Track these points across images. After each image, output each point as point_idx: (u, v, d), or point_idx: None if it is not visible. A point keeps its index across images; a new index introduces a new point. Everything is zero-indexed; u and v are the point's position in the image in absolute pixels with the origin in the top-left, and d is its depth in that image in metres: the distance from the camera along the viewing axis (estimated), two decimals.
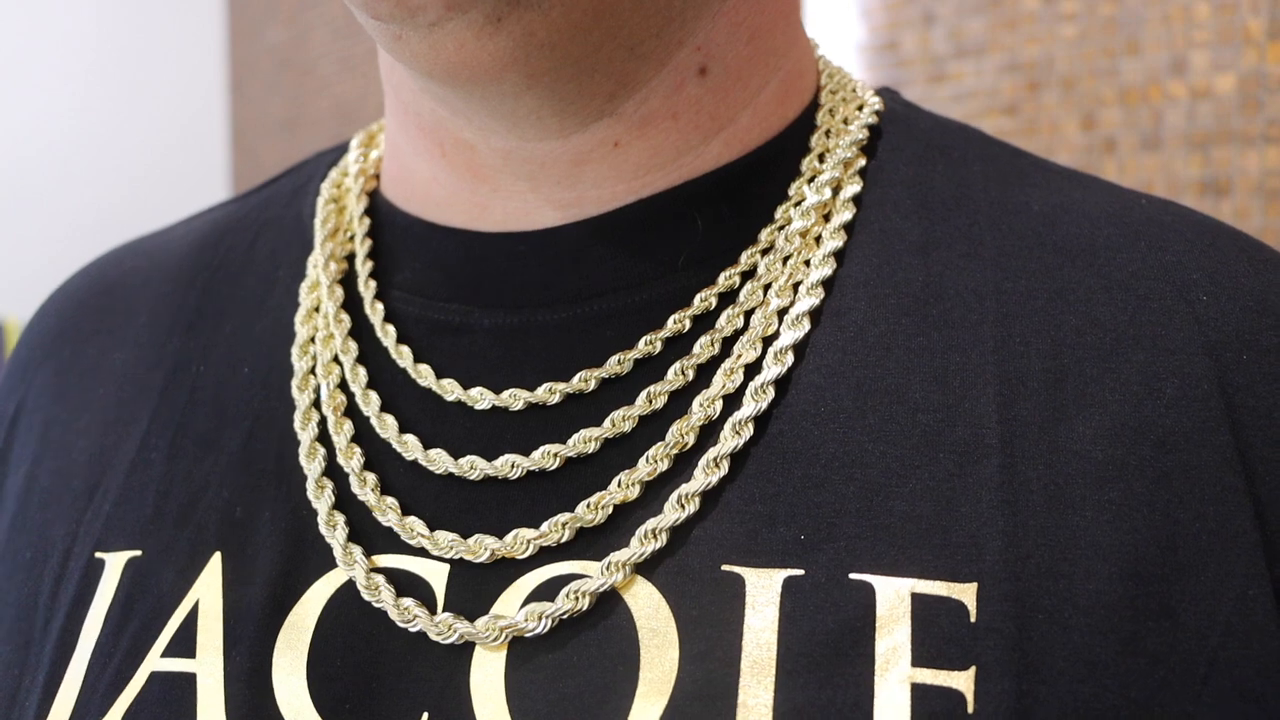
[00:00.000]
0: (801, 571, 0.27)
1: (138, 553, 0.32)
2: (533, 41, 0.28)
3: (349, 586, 0.30)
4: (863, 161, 0.33)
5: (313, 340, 0.34)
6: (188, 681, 0.29)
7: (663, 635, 0.27)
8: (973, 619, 0.26)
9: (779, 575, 0.27)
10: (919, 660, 0.26)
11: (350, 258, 0.35)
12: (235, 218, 0.40)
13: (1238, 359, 0.29)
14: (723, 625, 0.27)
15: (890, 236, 0.32)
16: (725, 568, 0.27)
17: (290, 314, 0.35)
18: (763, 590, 0.27)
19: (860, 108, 0.35)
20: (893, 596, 0.26)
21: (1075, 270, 0.31)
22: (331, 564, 0.30)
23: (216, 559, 0.31)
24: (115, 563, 0.32)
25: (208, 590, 0.30)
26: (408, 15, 0.27)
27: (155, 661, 0.30)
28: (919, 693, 0.25)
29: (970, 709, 0.25)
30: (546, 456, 0.30)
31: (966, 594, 0.26)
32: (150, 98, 2.84)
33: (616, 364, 0.31)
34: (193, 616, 0.30)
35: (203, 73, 3.05)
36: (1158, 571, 0.27)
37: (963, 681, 0.25)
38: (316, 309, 0.34)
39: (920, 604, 0.26)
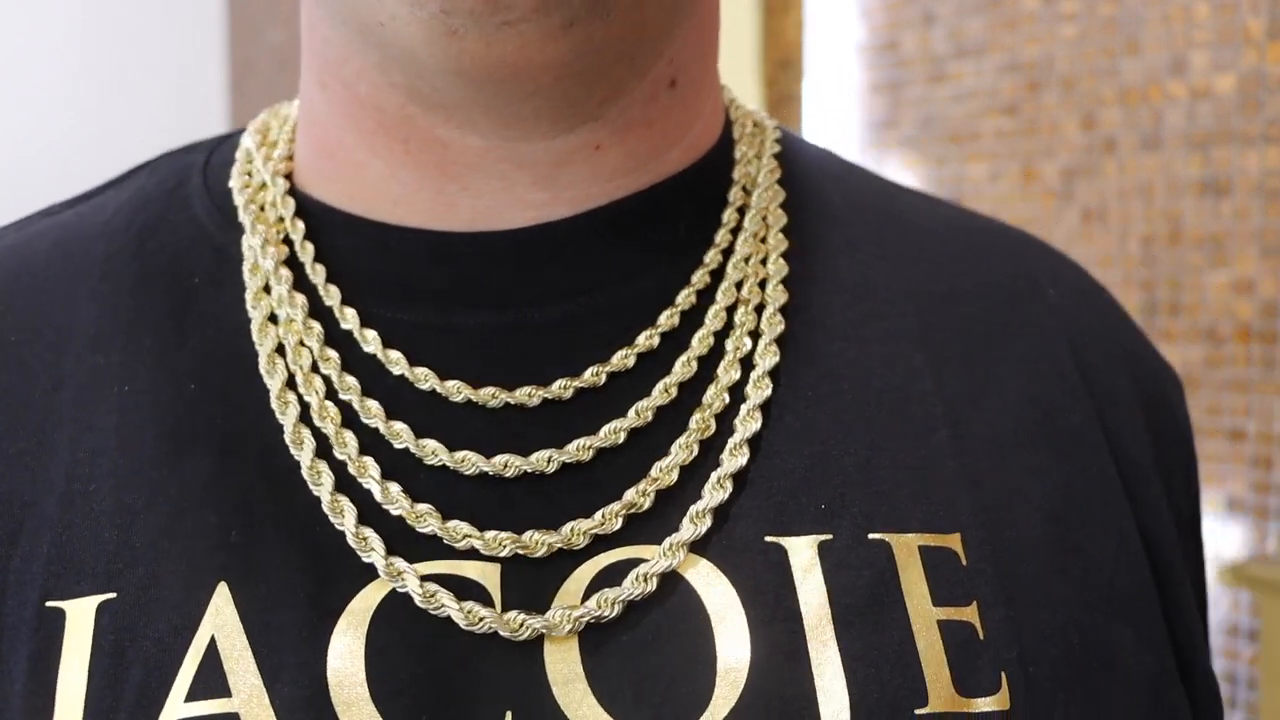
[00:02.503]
0: (830, 536, 0.30)
1: (110, 595, 0.29)
2: (587, 47, 0.29)
3: (391, 599, 0.29)
4: (779, 173, 0.37)
5: (278, 352, 0.32)
6: None
7: (728, 606, 0.29)
8: (964, 563, 0.31)
9: (813, 541, 0.30)
10: (936, 601, 0.30)
11: (288, 262, 0.34)
12: (95, 224, 0.36)
13: (1083, 341, 0.36)
14: (778, 591, 0.29)
15: (817, 239, 0.36)
16: (768, 539, 0.30)
17: (230, 325, 0.33)
18: (803, 556, 0.30)
19: (756, 124, 0.39)
20: (905, 550, 0.31)
21: (958, 273, 0.37)
22: (364, 580, 0.29)
23: (222, 589, 0.29)
24: (80, 610, 0.29)
25: (222, 623, 0.28)
26: (490, 12, 0.27)
27: (179, 708, 0.28)
28: (944, 628, 0.30)
29: (981, 636, 0.30)
30: (581, 449, 0.31)
31: (954, 543, 0.31)
32: (150, 98, 2.84)
33: (622, 358, 0.32)
34: (212, 653, 0.28)
35: (203, 73, 3.05)
36: (1066, 516, 0.33)
37: (970, 614, 0.30)
38: (270, 319, 0.33)
39: (926, 554, 0.31)
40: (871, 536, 0.31)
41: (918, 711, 0.29)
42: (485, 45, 0.28)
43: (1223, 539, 1.69)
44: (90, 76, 2.79)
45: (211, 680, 0.28)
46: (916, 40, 2.05)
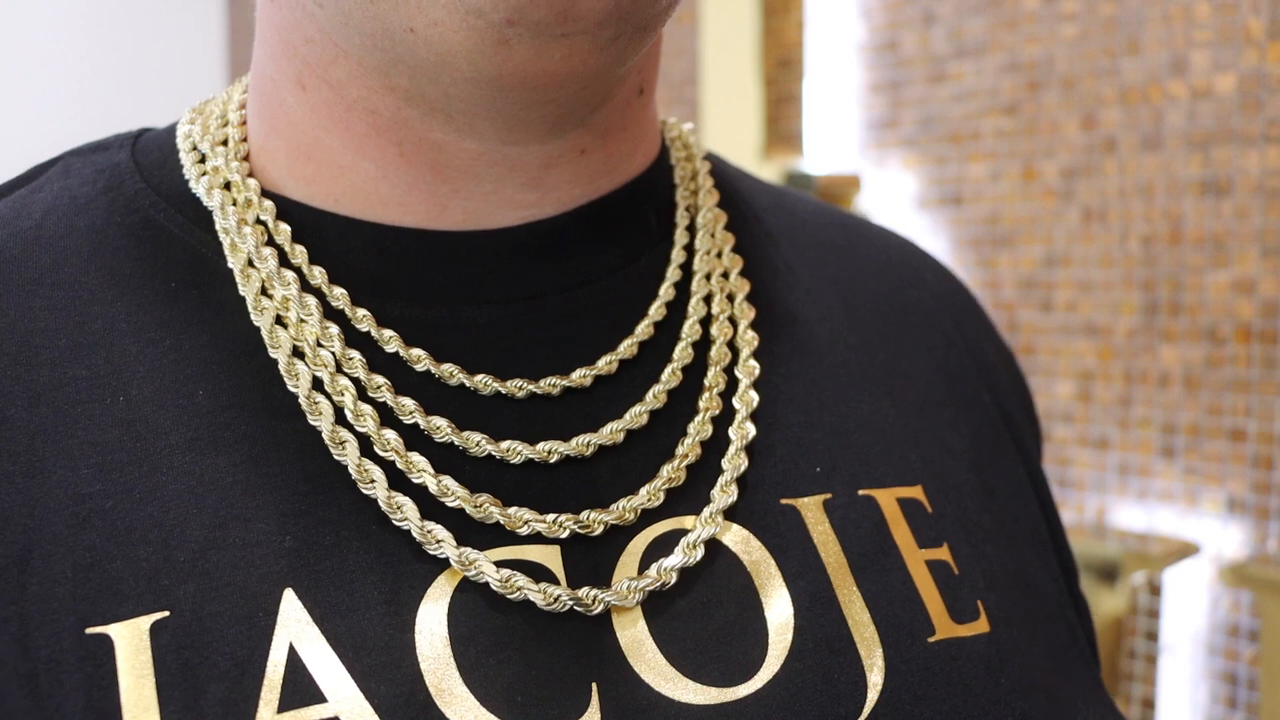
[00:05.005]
0: (830, 495, 0.34)
1: (162, 614, 0.28)
2: (620, 59, 0.30)
3: (462, 588, 0.30)
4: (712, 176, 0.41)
5: (296, 355, 0.32)
6: None
7: (764, 564, 0.32)
8: (929, 510, 0.35)
9: (818, 500, 0.34)
10: (920, 544, 0.34)
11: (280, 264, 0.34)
12: (23, 228, 0.35)
13: (959, 316, 0.43)
14: (801, 546, 0.33)
15: (750, 233, 0.40)
16: (783, 501, 0.33)
17: (228, 329, 0.33)
18: (812, 514, 0.33)
19: (674, 128, 0.42)
20: (888, 503, 0.34)
21: (854, 261, 0.42)
22: (432, 573, 0.30)
23: (290, 596, 0.29)
24: (131, 632, 0.28)
25: (299, 629, 0.28)
26: (558, 23, 0.28)
27: None
28: (931, 567, 0.34)
29: (957, 572, 0.34)
30: (614, 433, 0.33)
31: (919, 493, 0.35)
32: (150, 98, 2.84)
33: (628, 347, 0.34)
34: (295, 661, 0.28)
35: (203, 73, 3.05)
36: (981, 464, 0.38)
37: (945, 554, 0.34)
38: (278, 322, 0.33)
39: (903, 505, 0.35)
40: (861, 493, 0.34)
41: (930, 640, 0.32)
42: (535, 55, 0.29)
43: (1223, 539, 1.69)
44: (90, 76, 2.79)
45: (301, 688, 0.27)
46: (916, 40, 2.05)
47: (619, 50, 0.30)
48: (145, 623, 0.28)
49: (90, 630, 0.28)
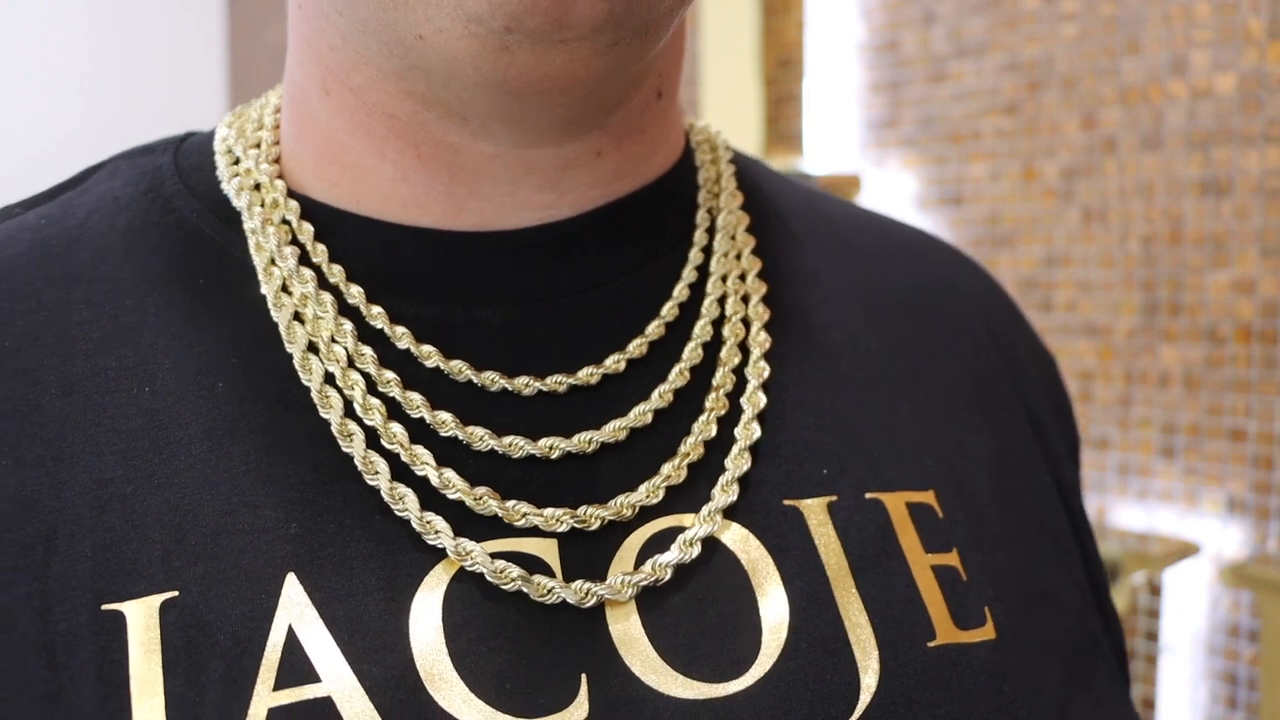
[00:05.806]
0: (836, 497, 0.34)
1: (173, 593, 0.29)
2: (624, 63, 0.31)
3: (459, 577, 0.31)
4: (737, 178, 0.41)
5: (311, 350, 0.33)
6: (322, 706, 0.28)
7: (762, 563, 0.32)
8: (940, 515, 0.35)
9: (823, 502, 0.34)
10: (927, 549, 0.34)
11: (301, 263, 0.35)
12: (68, 227, 0.36)
13: (995, 324, 0.42)
14: (801, 547, 0.33)
15: (774, 236, 0.40)
16: (786, 502, 0.34)
17: (248, 324, 0.34)
18: (816, 515, 0.34)
19: (703, 132, 0.42)
20: (896, 507, 0.35)
21: (884, 266, 0.42)
22: (430, 562, 0.31)
23: (292, 580, 0.30)
24: (142, 610, 0.29)
25: (299, 612, 0.29)
26: (554, 29, 0.28)
27: (269, 698, 0.28)
28: (936, 572, 0.34)
29: (964, 578, 0.34)
30: (617, 430, 0.33)
31: (930, 498, 0.35)
32: (150, 98, 2.84)
33: (637, 346, 0.35)
34: (293, 642, 0.29)
35: (203, 73, 3.06)
36: (1003, 471, 0.38)
37: (953, 559, 0.34)
38: (296, 318, 0.34)
39: (912, 509, 0.35)
40: (868, 496, 0.34)
41: (929, 644, 0.32)
42: (536, 61, 0.29)
43: (1223, 539, 1.69)
44: (91, 76, 2.79)
45: (297, 668, 0.29)
46: (916, 40, 2.05)
47: (620, 54, 0.30)
48: (156, 601, 0.29)
49: (106, 607, 0.29)
